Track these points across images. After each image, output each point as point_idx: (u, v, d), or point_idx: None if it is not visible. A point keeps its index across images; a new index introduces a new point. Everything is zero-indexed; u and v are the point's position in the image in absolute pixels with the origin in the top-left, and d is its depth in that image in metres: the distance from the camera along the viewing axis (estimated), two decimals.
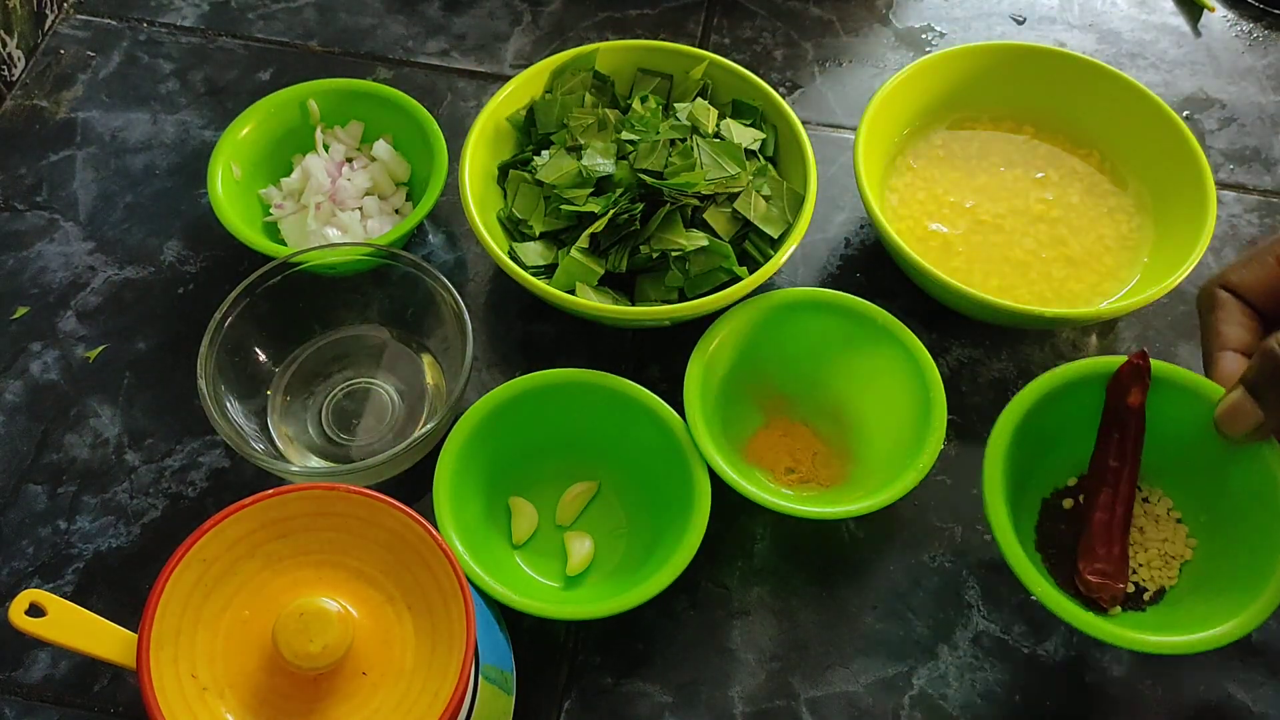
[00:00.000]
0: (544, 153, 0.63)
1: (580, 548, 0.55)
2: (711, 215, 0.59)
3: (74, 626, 0.42)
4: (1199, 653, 0.46)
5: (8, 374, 0.61)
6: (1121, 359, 0.51)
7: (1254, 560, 0.48)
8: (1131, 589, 0.52)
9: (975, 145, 0.68)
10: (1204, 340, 0.51)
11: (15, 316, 0.63)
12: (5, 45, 0.72)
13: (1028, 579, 0.48)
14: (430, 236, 0.67)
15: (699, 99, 0.64)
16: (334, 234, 0.62)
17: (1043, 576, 0.48)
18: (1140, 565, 0.52)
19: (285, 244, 0.63)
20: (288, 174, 0.65)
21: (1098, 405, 0.53)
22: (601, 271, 0.58)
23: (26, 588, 0.51)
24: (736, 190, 0.60)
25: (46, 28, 0.76)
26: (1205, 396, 0.50)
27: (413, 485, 0.56)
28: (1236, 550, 0.50)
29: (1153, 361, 0.51)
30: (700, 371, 0.55)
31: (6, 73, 0.72)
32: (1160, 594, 0.52)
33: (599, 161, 0.60)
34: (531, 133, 0.65)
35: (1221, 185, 0.70)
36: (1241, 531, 0.50)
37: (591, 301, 0.57)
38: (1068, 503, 0.54)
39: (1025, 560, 0.48)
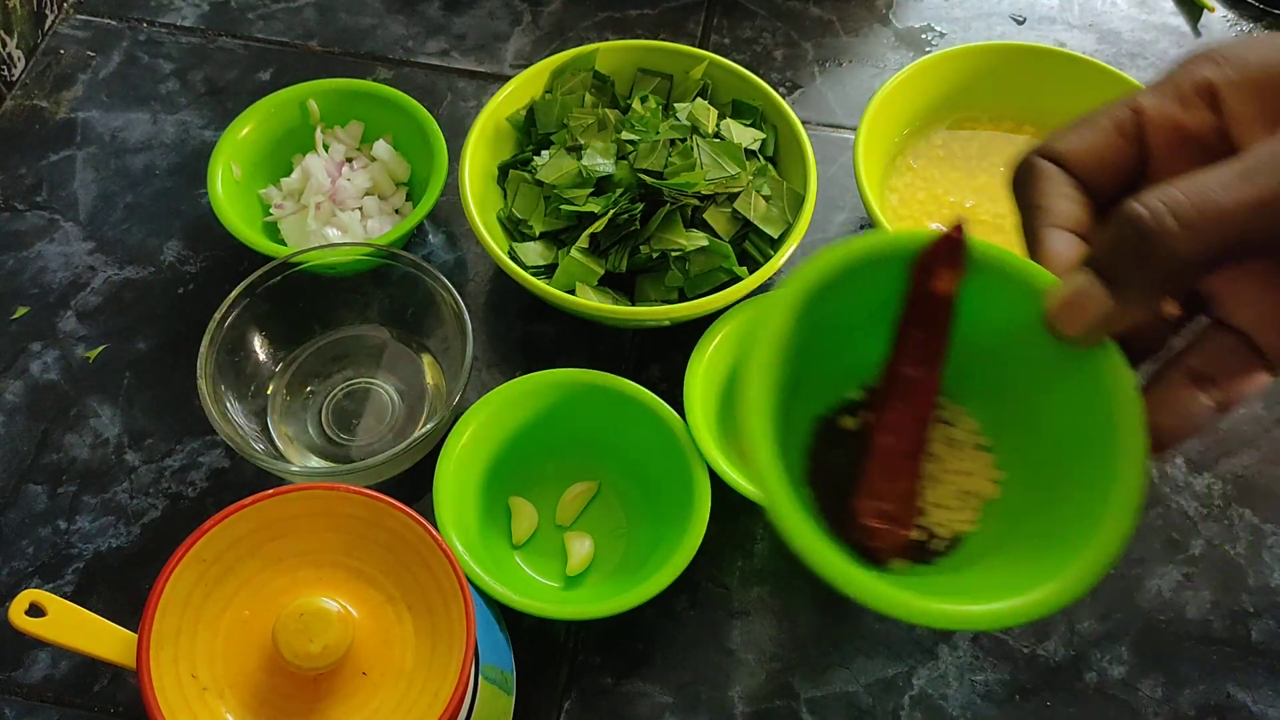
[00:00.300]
0: (544, 153, 0.63)
1: (580, 548, 0.55)
2: (711, 215, 0.59)
3: (74, 626, 0.42)
4: (997, 629, 0.35)
5: (8, 374, 0.61)
6: (929, 232, 0.37)
7: (1077, 506, 0.36)
8: (923, 536, 0.38)
9: (975, 145, 0.68)
10: (1024, 219, 0.38)
11: (15, 316, 0.63)
12: (5, 45, 0.72)
13: (786, 523, 0.33)
14: (430, 236, 0.67)
15: (699, 99, 0.64)
16: (334, 234, 0.62)
17: (810, 518, 0.35)
18: (932, 505, 0.39)
19: (285, 244, 0.63)
20: (288, 174, 0.65)
21: (891, 297, 0.38)
22: (601, 271, 0.58)
23: (26, 588, 0.51)
24: (736, 190, 0.60)
25: (46, 28, 0.76)
26: (1033, 286, 0.36)
27: (413, 485, 0.56)
28: (1056, 490, 0.37)
29: (980, 243, 0.37)
30: (700, 371, 0.55)
31: (6, 73, 0.72)
32: (955, 542, 0.38)
33: (599, 161, 0.60)
34: (531, 133, 0.65)
35: None
36: (1063, 466, 0.37)
37: (591, 301, 0.57)
38: (849, 422, 0.40)
39: (786, 498, 0.34)
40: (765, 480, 0.34)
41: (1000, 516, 0.39)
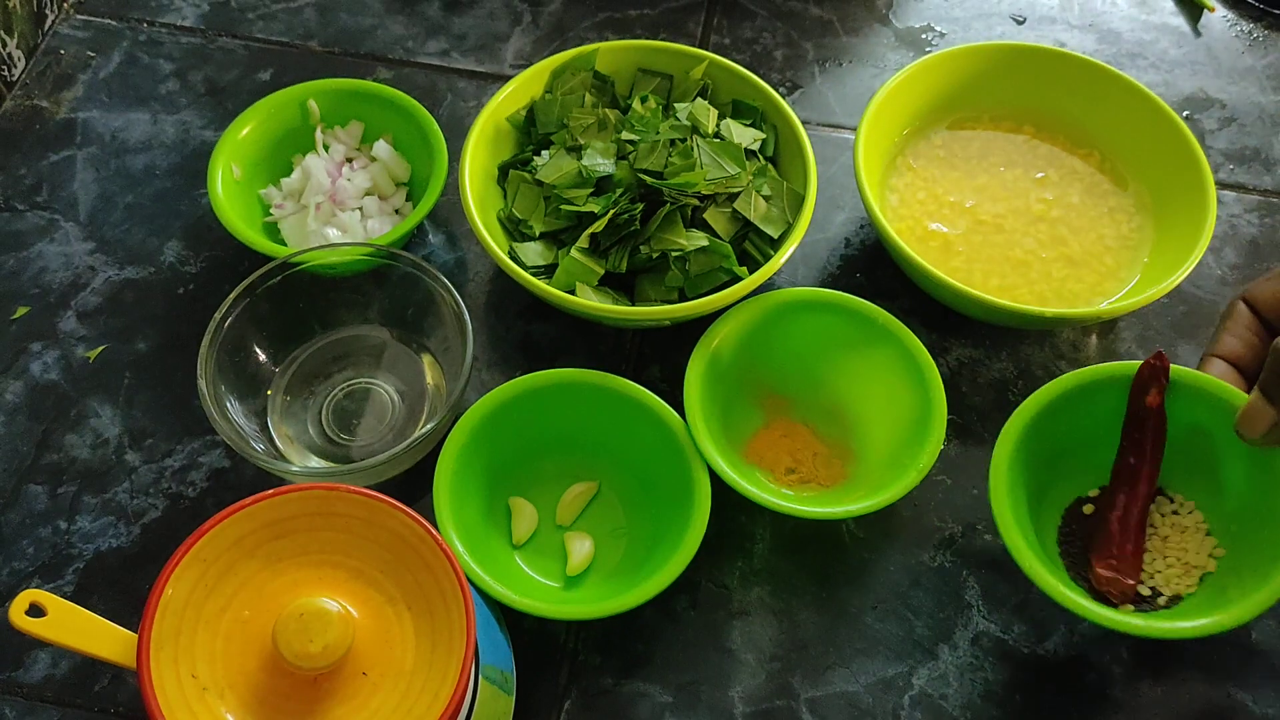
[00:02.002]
0: (544, 153, 0.63)
1: (580, 548, 0.55)
2: (711, 215, 0.59)
3: (74, 626, 0.42)
4: (1183, 638, 0.48)
5: (8, 374, 0.61)
6: (1136, 363, 0.52)
7: (1266, 565, 0.48)
8: (1147, 592, 0.52)
9: (975, 145, 0.68)
10: (1209, 344, 0.53)
11: (15, 316, 0.63)
12: (5, 45, 0.72)
13: (1029, 568, 0.48)
14: (430, 236, 0.67)
15: (699, 99, 0.64)
16: (334, 234, 0.62)
17: (1061, 577, 0.49)
18: (1158, 571, 0.52)
19: (285, 244, 0.63)
20: (288, 174, 0.65)
21: (1117, 413, 0.53)
22: (601, 271, 0.58)
23: (27, 588, 0.51)
24: (736, 190, 0.60)
25: (46, 28, 0.76)
26: (1232, 403, 0.50)
27: (413, 485, 0.56)
28: (1257, 559, 0.49)
29: (1180, 369, 0.51)
30: (700, 371, 0.55)
31: (6, 73, 0.72)
32: (1175, 600, 0.52)
33: (599, 161, 0.60)
34: (531, 133, 0.65)
35: (1221, 185, 0.70)
36: (1263, 539, 0.50)
37: (591, 301, 0.57)
38: (1088, 509, 0.55)
39: (1026, 551, 0.49)
40: (1019, 554, 0.49)
41: (1215, 583, 0.51)
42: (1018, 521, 0.50)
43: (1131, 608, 0.51)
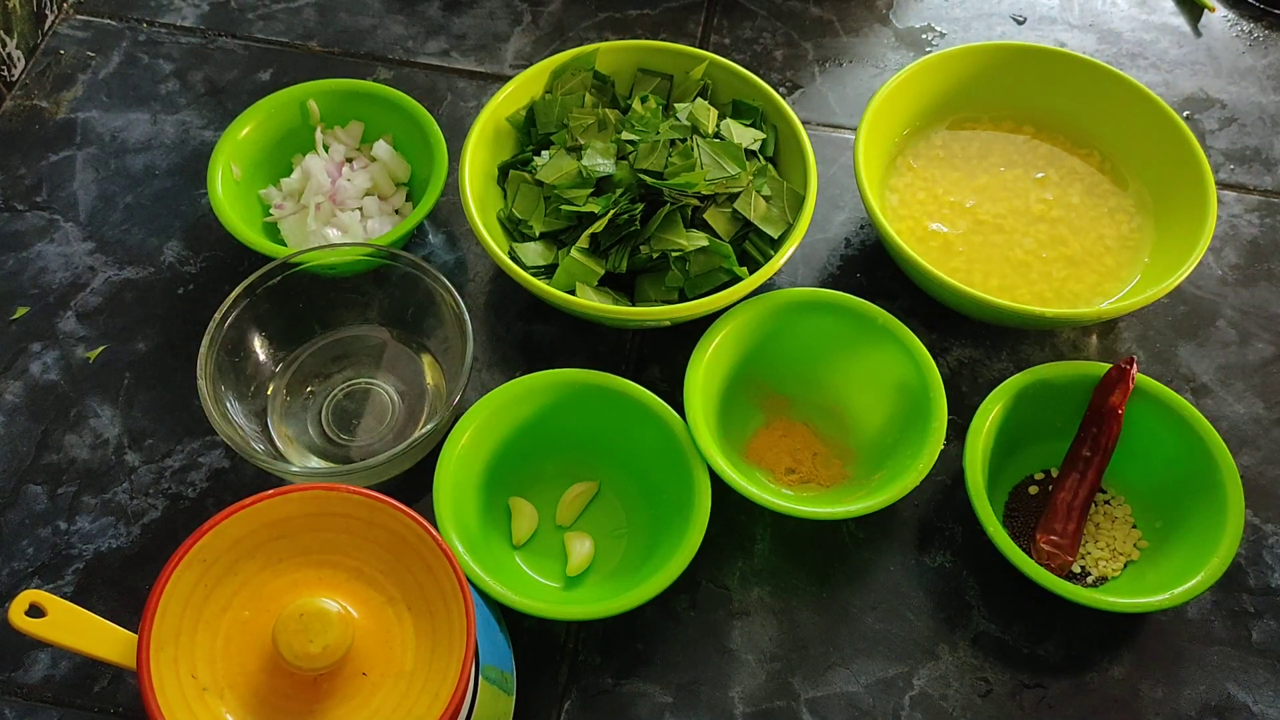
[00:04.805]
0: (544, 153, 0.63)
1: (580, 548, 0.55)
2: (711, 215, 0.59)
3: (74, 627, 0.42)
4: (1117, 612, 0.53)
5: (8, 374, 0.61)
6: (1104, 365, 0.56)
7: (1184, 559, 0.53)
8: (1078, 570, 0.56)
9: (975, 145, 0.68)
10: None
11: (15, 317, 0.63)
12: (5, 45, 0.72)
13: (990, 526, 0.53)
14: (430, 236, 0.67)
15: (699, 99, 0.64)
16: (334, 234, 0.62)
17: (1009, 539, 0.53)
18: (1088, 554, 0.56)
19: (285, 244, 0.63)
20: (288, 174, 0.65)
21: (1074, 411, 0.57)
22: (601, 272, 0.58)
23: (26, 588, 0.51)
24: (736, 190, 0.60)
25: (46, 28, 0.76)
26: (1184, 416, 0.55)
27: (413, 486, 0.56)
28: (1173, 559, 0.54)
29: (1141, 376, 0.56)
30: (700, 372, 0.55)
31: (6, 73, 0.72)
32: (1101, 581, 0.55)
33: (599, 161, 0.60)
34: (531, 133, 0.65)
35: (1222, 185, 0.70)
36: (1182, 538, 0.55)
37: (591, 302, 0.57)
38: (1033, 489, 0.58)
39: (994, 520, 0.53)
40: (983, 517, 0.53)
41: (1136, 571, 0.56)
42: (986, 494, 0.54)
43: (1063, 581, 0.54)
